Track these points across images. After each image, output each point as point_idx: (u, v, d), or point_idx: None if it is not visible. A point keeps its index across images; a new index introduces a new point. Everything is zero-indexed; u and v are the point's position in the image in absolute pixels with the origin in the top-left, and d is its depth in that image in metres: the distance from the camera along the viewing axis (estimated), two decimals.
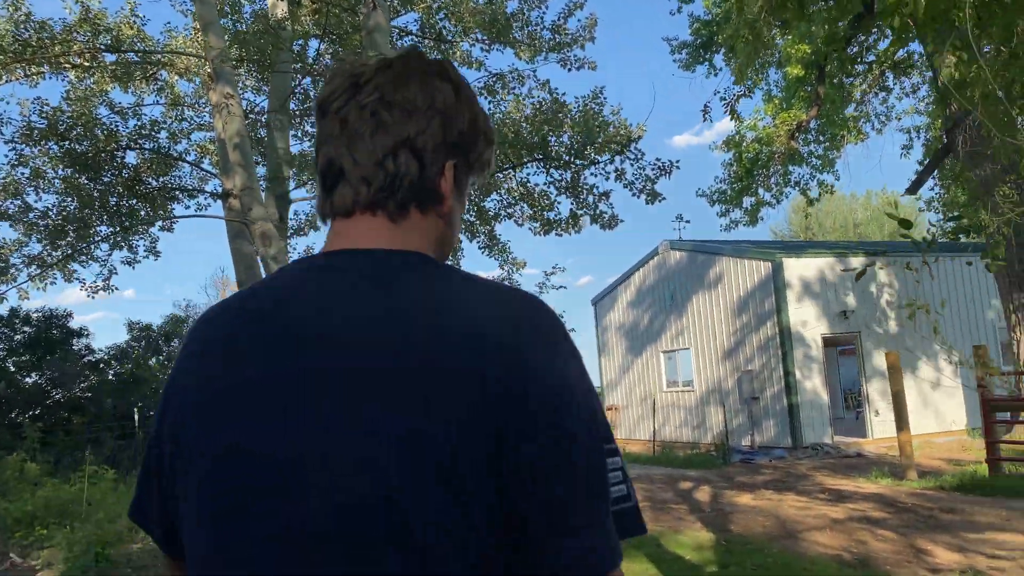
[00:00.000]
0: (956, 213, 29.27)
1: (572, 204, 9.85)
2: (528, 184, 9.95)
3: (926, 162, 19.52)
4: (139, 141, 11.32)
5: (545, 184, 9.75)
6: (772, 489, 10.93)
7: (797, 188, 20.24)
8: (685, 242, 20.07)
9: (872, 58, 20.25)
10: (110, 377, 19.67)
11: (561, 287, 10.09)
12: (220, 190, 12.30)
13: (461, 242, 13.31)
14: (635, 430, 22.11)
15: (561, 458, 0.77)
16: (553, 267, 8.33)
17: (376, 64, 0.96)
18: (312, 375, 0.81)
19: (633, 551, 7.01)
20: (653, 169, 9.03)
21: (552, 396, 0.78)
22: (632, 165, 9.06)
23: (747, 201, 20.32)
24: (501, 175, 9.53)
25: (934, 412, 16.61)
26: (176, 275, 67.96)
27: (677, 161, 9.08)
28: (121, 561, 7.68)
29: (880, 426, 16.48)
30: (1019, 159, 13.21)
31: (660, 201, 9.39)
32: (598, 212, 9.66)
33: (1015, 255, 14.17)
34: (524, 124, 9.04)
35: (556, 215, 10.10)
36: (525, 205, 10.18)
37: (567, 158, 8.78)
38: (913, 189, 17.94)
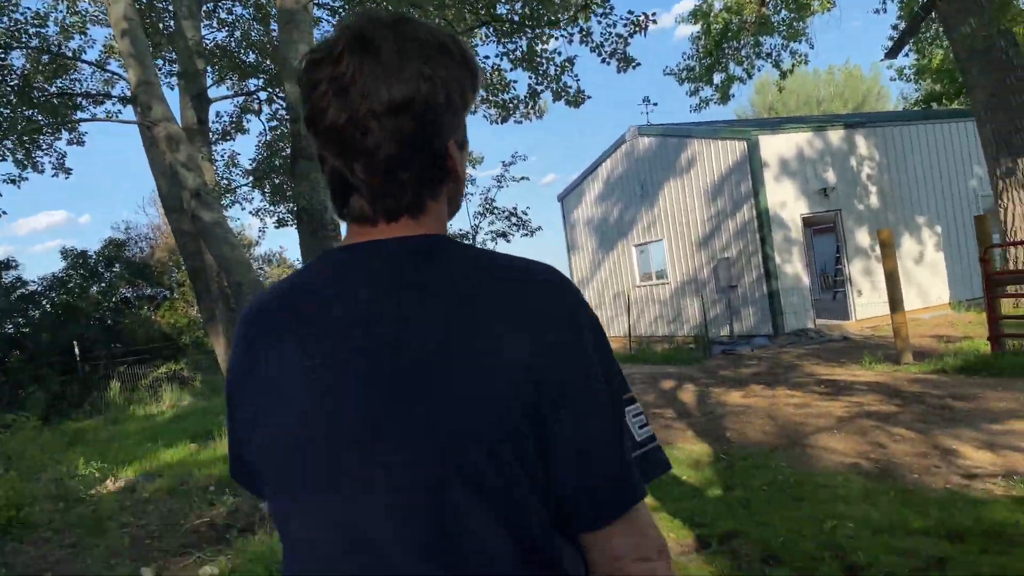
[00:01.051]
0: (929, 80, 28.19)
1: (531, 78, 8.57)
2: (477, 57, 8.58)
3: (906, 22, 18.25)
4: (21, 39, 9.69)
5: (497, 56, 8.39)
6: (761, 383, 10.22)
7: (769, 60, 18.94)
8: (654, 126, 18.83)
9: None
10: (48, 309, 18.31)
11: (523, 178, 8.85)
12: (129, 92, 10.76)
13: None
14: (610, 327, 21.45)
15: (587, 414, 0.87)
16: (512, 155, 7.15)
17: (359, 49, 0.90)
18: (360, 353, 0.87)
19: None
20: (625, 25, 7.67)
21: (575, 372, 0.87)
22: (600, 23, 7.69)
23: (717, 77, 19.03)
24: None
25: (917, 288, 16.02)
26: (118, 194, 64.93)
27: (653, 13, 7.66)
28: (42, 524, 6.72)
29: (863, 307, 15.89)
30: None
31: (634, 67, 8.13)
32: (562, 86, 8.38)
33: (1001, 117, 13.22)
34: None
35: (512, 94, 8.80)
36: None
37: (519, 21, 7.40)
38: (893, 53, 16.77)
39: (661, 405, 9.50)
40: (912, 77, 29.50)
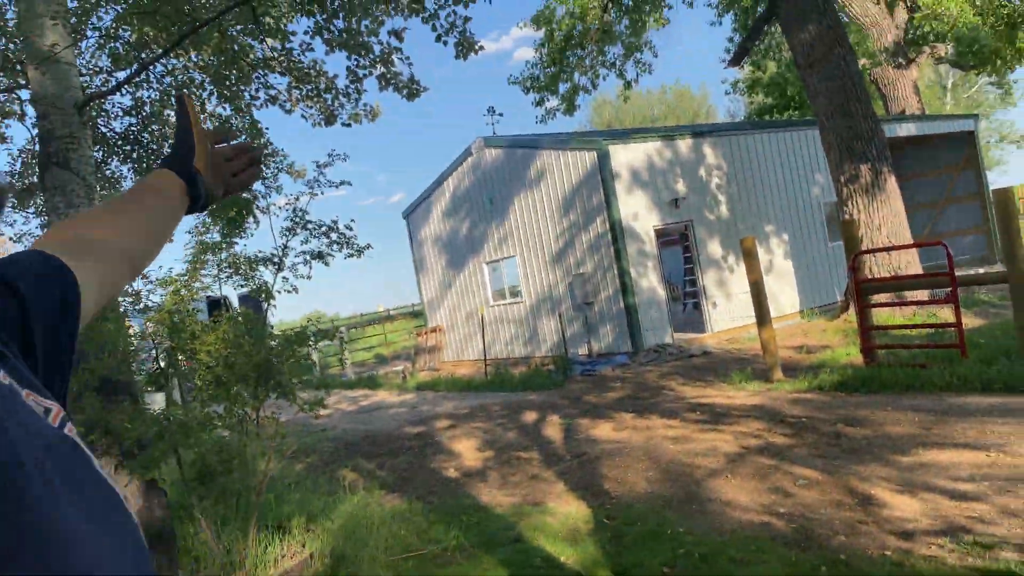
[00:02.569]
0: (761, 92, 29.20)
1: (350, 60, 7.14)
2: (283, 33, 6.93)
3: (746, 31, 18.40)
4: None
5: (307, 34, 6.90)
6: (631, 411, 9.27)
7: (614, 69, 18.51)
8: (501, 137, 17.84)
9: None
10: None
11: (343, 183, 7.50)
12: None
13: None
14: (463, 350, 20.20)
15: None
16: (330, 154, 5.72)
17: None
18: None
19: (485, 555, 4.88)
20: None
21: None
22: None
23: (563, 87, 18.38)
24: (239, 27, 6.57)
25: (770, 297, 15.83)
26: None
27: None
28: None
29: (719, 319, 15.55)
30: None
31: (477, 51, 6.87)
32: (391, 73, 7.01)
33: (843, 124, 13.22)
34: None
35: (331, 85, 7.33)
36: (282, 76, 7.33)
37: None
38: (736, 60, 16.69)
39: (526, 446, 8.29)
40: (744, 90, 30.55)
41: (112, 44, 7.41)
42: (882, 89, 25.41)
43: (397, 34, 6.69)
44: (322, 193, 5.47)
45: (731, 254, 15.79)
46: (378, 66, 6.91)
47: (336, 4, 6.23)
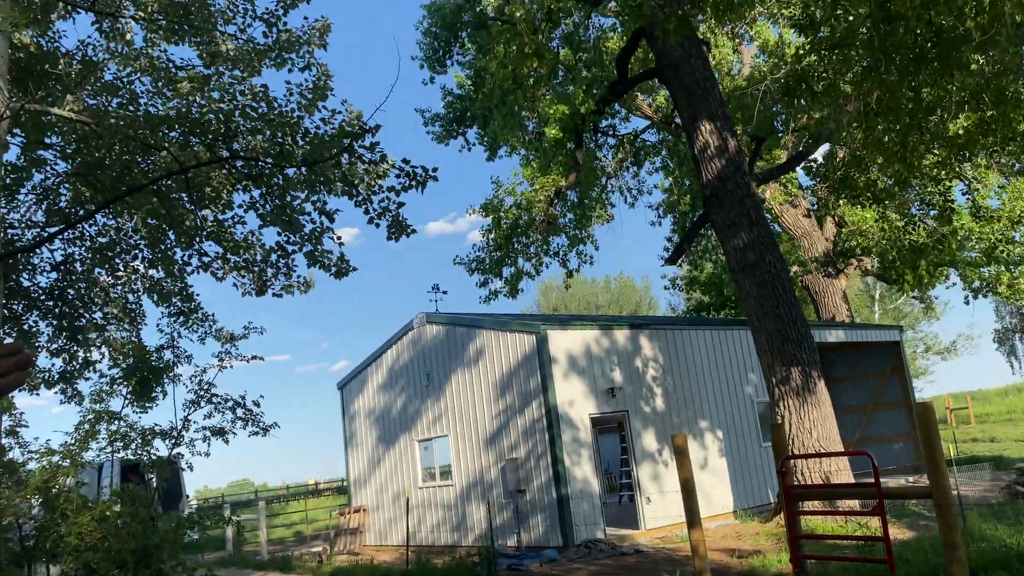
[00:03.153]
0: (696, 291, 30.41)
1: (282, 236, 7.16)
2: (218, 201, 6.95)
3: (684, 232, 19.44)
4: None
5: (241, 207, 6.97)
6: None
7: (557, 258, 19.17)
8: (442, 314, 17.96)
9: (626, 130, 20.13)
10: None
11: (255, 357, 7.28)
12: None
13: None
14: (387, 534, 19.11)
15: None
16: (245, 327, 5.57)
17: None
18: None
19: None
20: (400, 177, 6.42)
21: None
22: (367, 172, 6.42)
23: (507, 271, 18.87)
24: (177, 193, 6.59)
25: (703, 495, 15.51)
26: None
27: (434, 169, 6.48)
28: None
29: (653, 516, 15.11)
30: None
31: (409, 234, 6.95)
32: (319, 252, 7.02)
33: (773, 326, 13.68)
34: (206, 107, 6.23)
35: (260, 256, 7.31)
36: (213, 243, 7.30)
37: (264, 161, 6.02)
38: (673, 259, 17.46)
39: None
40: (683, 287, 31.87)
41: (48, 200, 7.37)
42: (813, 296, 26.76)
43: (328, 214, 6.80)
44: (231, 366, 5.25)
45: (666, 448, 15.65)
46: (307, 244, 6.96)
47: (273, 182, 6.36)
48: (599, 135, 19.46)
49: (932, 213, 20.80)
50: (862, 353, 21.73)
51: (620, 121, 22.04)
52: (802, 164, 18.15)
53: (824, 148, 18.98)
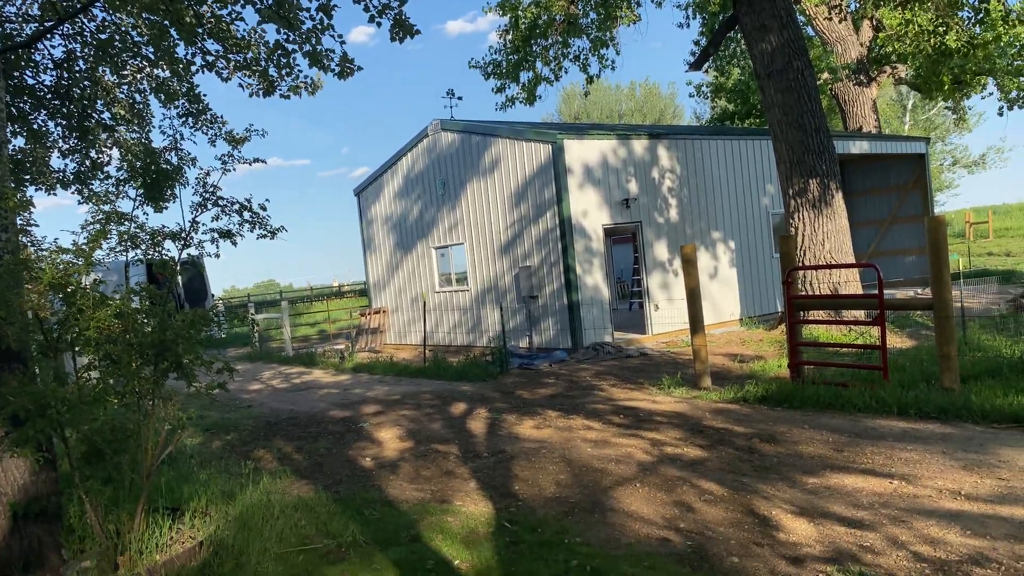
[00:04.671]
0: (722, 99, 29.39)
1: (279, 33, 6.87)
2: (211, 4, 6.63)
3: (711, 35, 18.43)
4: None
5: (238, 3, 6.61)
6: (558, 409, 9.22)
7: (577, 63, 18.39)
8: (457, 122, 17.59)
9: None
10: None
11: (256, 160, 7.15)
12: None
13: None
14: (406, 334, 20.01)
15: None
16: (247, 128, 5.51)
17: None
18: None
19: (378, 553, 4.75)
20: None
21: None
22: None
23: (524, 76, 18.20)
24: None
25: (711, 304, 16.00)
26: None
27: None
28: None
29: (660, 322, 15.61)
30: None
31: (413, 35, 6.65)
32: (319, 51, 6.75)
33: (795, 136, 13.31)
34: None
35: (271, 54, 7.05)
36: (214, 42, 7.02)
37: None
38: (697, 65, 16.68)
39: (448, 439, 8.18)
40: (708, 95, 30.73)
41: None
42: (842, 105, 25.77)
43: (326, 9, 6.41)
44: (234, 169, 5.23)
45: (677, 258, 15.85)
46: (307, 44, 6.65)
47: None
48: None
49: (964, 15, 19.44)
50: (885, 165, 21.27)
51: None
52: None
53: None
